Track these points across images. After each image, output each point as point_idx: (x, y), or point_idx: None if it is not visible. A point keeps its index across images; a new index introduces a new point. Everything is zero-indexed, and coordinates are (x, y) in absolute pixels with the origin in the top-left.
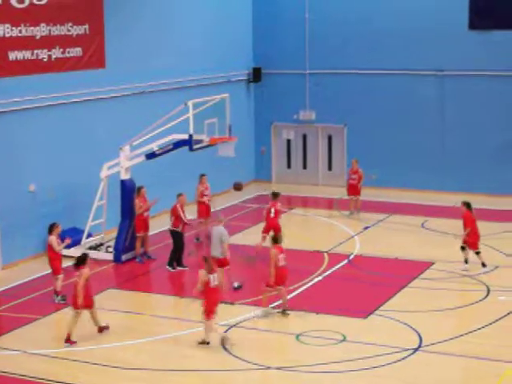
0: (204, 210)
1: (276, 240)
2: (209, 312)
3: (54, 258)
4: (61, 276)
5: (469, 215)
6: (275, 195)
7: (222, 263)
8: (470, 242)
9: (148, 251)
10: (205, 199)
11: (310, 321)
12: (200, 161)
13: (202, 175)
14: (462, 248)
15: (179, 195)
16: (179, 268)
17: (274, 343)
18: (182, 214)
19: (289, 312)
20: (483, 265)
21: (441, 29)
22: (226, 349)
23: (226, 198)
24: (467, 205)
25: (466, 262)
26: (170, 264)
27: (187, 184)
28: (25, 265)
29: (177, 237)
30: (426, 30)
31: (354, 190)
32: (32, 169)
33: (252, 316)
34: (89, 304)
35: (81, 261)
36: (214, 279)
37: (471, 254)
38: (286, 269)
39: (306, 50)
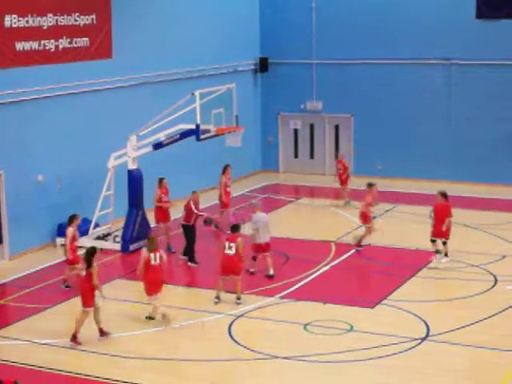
0: (161, 215)
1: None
2: (148, 290)
3: (69, 248)
4: (72, 266)
5: (447, 206)
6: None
7: (267, 248)
8: (445, 231)
9: (170, 243)
10: (163, 204)
11: (317, 311)
12: (207, 150)
13: (162, 179)
14: (433, 241)
15: (193, 193)
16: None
17: (282, 333)
18: (194, 209)
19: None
20: (446, 255)
21: (448, 18)
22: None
23: (233, 189)
24: (443, 195)
25: (446, 254)
26: (192, 259)
27: (194, 175)
28: (32, 255)
29: (189, 231)
30: (434, 20)
31: (341, 180)
32: (39, 159)
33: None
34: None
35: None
36: (156, 258)
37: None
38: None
39: (313, 39)
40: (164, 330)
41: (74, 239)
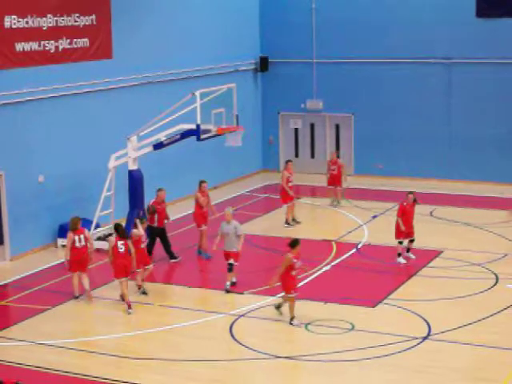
0: (201, 219)
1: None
2: (116, 272)
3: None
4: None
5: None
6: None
7: (234, 257)
8: (411, 231)
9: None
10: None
11: (318, 310)
12: (207, 150)
13: (202, 182)
14: (400, 242)
15: (158, 190)
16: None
17: (283, 332)
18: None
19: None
20: (408, 250)
21: (448, 17)
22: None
23: (233, 188)
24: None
25: (408, 250)
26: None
27: (193, 175)
28: (33, 256)
29: (157, 233)
30: (434, 18)
31: (334, 180)
32: (40, 160)
33: None
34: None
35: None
36: (122, 246)
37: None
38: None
39: (314, 38)
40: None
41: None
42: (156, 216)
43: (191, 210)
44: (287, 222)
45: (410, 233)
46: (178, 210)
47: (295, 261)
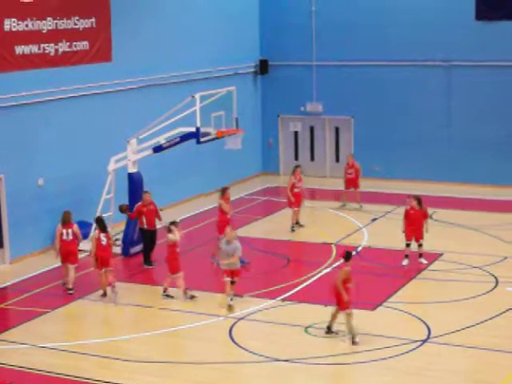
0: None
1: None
2: (98, 264)
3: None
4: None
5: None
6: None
7: (239, 273)
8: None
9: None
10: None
11: (318, 313)
12: (207, 153)
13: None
14: (407, 245)
15: (143, 193)
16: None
17: (283, 335)
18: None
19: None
20: (420, 255)
21: (448, 20)
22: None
23: (234, 191)
24: (418, 200)
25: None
26: (146, 261)
27: (193, 178)
28: (33, 259)
29: (147, 235)
30: (433, 21)
31: (351, 183)
32: (40, 163)
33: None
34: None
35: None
36: (104, 238)
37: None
38: None
39: (313, 41)
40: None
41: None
42: (144, 218)
43: (191, 213)
44: (292, 227)
45: (416, 237)
46: (179, 213)
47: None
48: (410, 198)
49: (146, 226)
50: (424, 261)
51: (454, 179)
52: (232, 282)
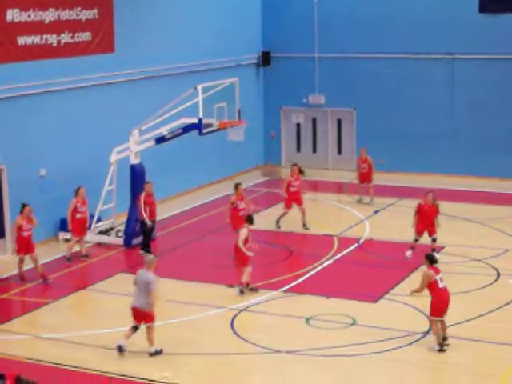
0: (78, 228)
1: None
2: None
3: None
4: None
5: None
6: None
7: (146, 317)
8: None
9: None
10: (79, 216)
11: (319, 305)
12: (209, 145)
13: (79, 188)
14: (416, 240)
15: (145, 183)
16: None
17: (284, 327)
18: (141, 206)
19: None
20: (433, 250)
21: (451, 12)
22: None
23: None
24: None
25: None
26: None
27: (195, 169)
28: (35, 249)
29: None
30: (436, 14)
31: (365, 177)
32: (42, 154)
33: None
34: None
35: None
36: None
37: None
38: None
39: (316, 33)
40: None
41: (75, 210)
42: (147, 209)
43: (192, 205)
44: (304, 225)
45: (429, 232)
46: (179, 205)
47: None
48: (430, 193)
49: (147, 217)
50: (437, 255)
51: (457, 172)
52: (135, 328)
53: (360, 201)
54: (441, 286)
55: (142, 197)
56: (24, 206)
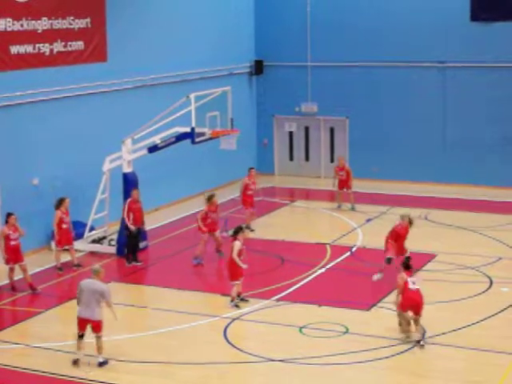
0: (63, 238)
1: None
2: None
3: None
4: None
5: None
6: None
7: (95, 326)
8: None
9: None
10: (65, 226)
11: (312, 313)
12: (201, 154)
13: (64, 199)
14: (389, 260)
15: (132, 190)
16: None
17: (277, 336)
18: (125, 211)
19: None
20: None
21: (443, 21)
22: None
23: (228, 191)
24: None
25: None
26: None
27: (188, 178)
28: (27, 258)
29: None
30: (428, 22)
31: (343, 184)
32: (35, 162)
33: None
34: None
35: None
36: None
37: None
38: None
39: (308, 42)
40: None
41: (61, 222)
42: (131, 215)
43: (185, 213)
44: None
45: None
46: (173, 214)
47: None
48: (406, 218)
49: (132, 223)
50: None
51: (449, 180)
52: (81, 336)
53: (340, 207)
54: (411, 286)
55: (128, 203)
56: (9, 214)
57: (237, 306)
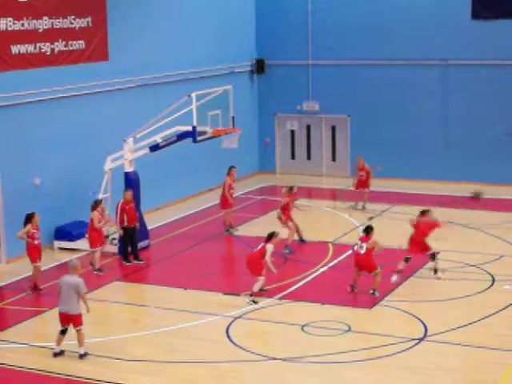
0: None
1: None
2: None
3: (92, 232)
4: (98, 249)
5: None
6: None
7: (74, 320)
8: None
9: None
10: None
11: (314, 311)
12: (203, 152)
13: (33, 213)
14: (406, 259)
15: (124, 191)
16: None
17: (279, 334)
18: (117, 213)
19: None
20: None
21: (444, 19)
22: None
23: None
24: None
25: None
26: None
27: (189, 176)
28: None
29: (129, 233)
30: (430, 20)
31: (363, 184)
32: (36, 162)
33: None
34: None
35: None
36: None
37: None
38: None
39: (309, 40)
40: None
41: (98, 221)
42: (125, 216)
43: (187, 212)
44: (227, 229)
45: (423, 249)
46: (174, 213)
47: None
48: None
49: (126, 224)
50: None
51: (451, 178)
52: (63, 332)
53: (354, 207)
54: (355, 248)
55: (120, 204)
56: (33, 214)
57: (254, 301)
